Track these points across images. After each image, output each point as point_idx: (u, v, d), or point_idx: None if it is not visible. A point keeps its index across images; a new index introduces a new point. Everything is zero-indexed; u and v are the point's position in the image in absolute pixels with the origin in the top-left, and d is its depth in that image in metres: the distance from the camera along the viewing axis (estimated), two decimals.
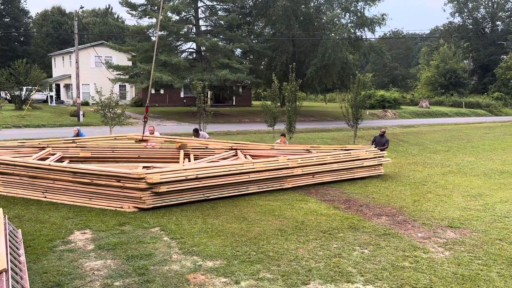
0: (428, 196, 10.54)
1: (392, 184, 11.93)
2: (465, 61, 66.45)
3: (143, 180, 8.59)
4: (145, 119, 8.92)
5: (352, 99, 20.19)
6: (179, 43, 36.78)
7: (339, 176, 11.89)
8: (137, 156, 12.26)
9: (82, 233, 7.29)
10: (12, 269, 5.00)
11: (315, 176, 11.43)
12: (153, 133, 13.30)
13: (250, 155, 12.43)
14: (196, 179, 9.22)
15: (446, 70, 58.29)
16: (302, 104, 21.36)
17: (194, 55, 37.88)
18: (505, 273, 5.98)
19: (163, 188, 8.76)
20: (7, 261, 4.95)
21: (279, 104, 21.60)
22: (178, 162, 11.69)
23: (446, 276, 5.83)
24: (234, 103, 46.81)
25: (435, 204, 9.80)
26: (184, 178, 9.04)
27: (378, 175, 12.82)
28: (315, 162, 11.40)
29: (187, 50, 38.35)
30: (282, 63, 35.67)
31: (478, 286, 5.54)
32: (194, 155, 12.42)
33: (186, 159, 12.11)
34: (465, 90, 59.16)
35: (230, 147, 12.89)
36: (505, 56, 58.15)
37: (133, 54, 37.00)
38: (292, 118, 19.23)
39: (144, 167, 10.51)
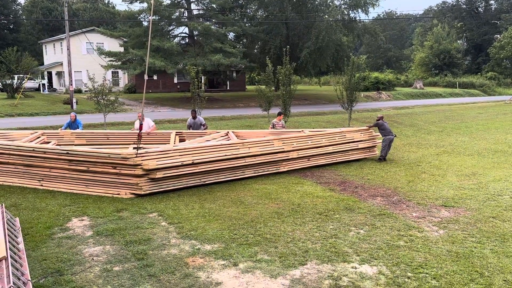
0: (422, 176, 10.65)
1: (386, 165, 12.03)
2: (458, 41, 66.31)
3: (139, 167, 8.61)
4: (139, 138, 8.79)
5: (346, 81, 20.14)
6: (171, 27, 36.33)
7: (335, 159, 11.96)
8: (132, 141, 12.23)
9: (80, 220, 7.32)
10: (11, 257, 5.03)
11: (310, 159, 11.49)
12: (142, 120, 13.19)
13: (241, 138, 12.40)
14: (193, 164, 9.25)
15: (440, 50, 58.20)
16: (297, 87, 21.23)
17: (187, 40, 37.49)
18: (498, 249, 6.10)
19: (160, 174, 8.78)
20: (7, 249, 4.98)
21: (273, 88, 21.49)
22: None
23: (440, 254, 5.94)
24: (228, 88, 46.59)
25: (429, 184, 9.91)
26: (180, 163, 9.06)
27: (373, 156, 12.90)
28: (310, 145, 11.44)
29: (179, 35, 37.94)
30: (276, 47, 35.40)
31: (472, 263, 5.65)
32: (188, 139, 12.40)
33: (177, 140, 12.08)
34: (459, 71, 59.18)
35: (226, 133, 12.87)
36: (498, 36, 58.03)
37: (124, 40, 36.54)
38: (287, 102, 19.18)
39: (134, 147, 10.52)
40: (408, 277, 5.26)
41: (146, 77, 8.95)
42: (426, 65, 60.63)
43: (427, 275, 5.33)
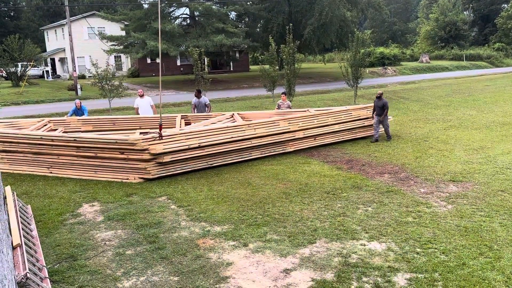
0: (430, 152, 10.61)
1: (393, 142, 11.98)
2: (465, 13, 64.88)
3: (147, 151, 8.66)
4: (160, 137, 8.93)
5: (351, 58, 19.90)
6: (171, 9, 35.90)
7: (341, 137, 11.93)
8: (138, 126, 12.27)
9: (90, 205, 7.42)
10: (25, 244, 5.13)
11: (316, 138, 11.47)
12: (143, 96, 13.20)
13: (246, 119, 12.38)
14: (199, 147, 9.28)
15: (446, 22, 57.08)
16: (301, 66, 21.04)
17: (188, 21, 37.08)
18: (507, 223, 6.11)
19: (167, 158, 8.83)
20: (20, 236, 5.08)
21: (277, 67, 21.29)
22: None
23: (449, 229, 5.97)
24: (231, 69, 46.25)
25: (437, 159, 9.88)
26: (187, 147, 9.10)
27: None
28: (316, 124, 11.40)
29: (180, 16, 37.52)
30: (279, 25, 34.89)
31: (481, 237, 5.68)
32: (194, 122, 12.40)
33: (183, 124, 12.11)
34: (465, 43, 58.14)
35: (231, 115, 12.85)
36: (506, 5, 56.73)
37: (125, 23, 36.22)
38: (291, 81, 19.03)
39: (141, 133, 10.57)
40: (417, 253, 5.31)
41: (159, 60, 9.01)
42: (432, 38, 59.59)
43: (436, 250, 5.36)
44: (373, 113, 12.19)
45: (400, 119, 15.95)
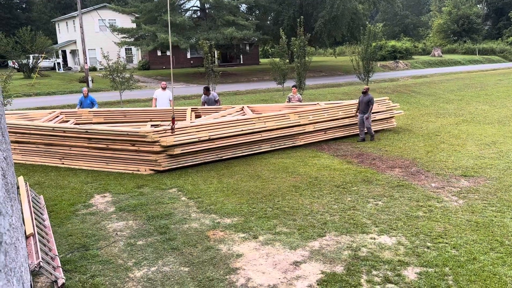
0: (441, 147, 10.52)
1: (405, 136, 11.89)
2: (478, 6, 63.83)
3: (158, 143, 8.71)
4: (173, 130, 8.99)
5: (362, 51, 19.75)
6: (182, 1, 35.86)
7: (352, 131, 11.87)
8: (148, 119, 12.34)
9: (102, 196, 7.50)
10: (38, 233, 5.22)
11: (327, 132, 11.43)
12: (165, 89, 13.24)
13: (256, 112, 12.38)
14: (209, 140, 9.31)
15: (459, 16, 56.23)
16: (312, 59, 20.91)
17: (198, 14, 37.01)
18: None
19: (177, 151, 8.88)
20: (33, 226, 5.16)
21: (287, 60, 21.18)
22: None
23: (460, 224, 5.93)
24: (241, 62, 46.13)
25: (448, 154, 9.79)
26: (197, 139, 9.13)
27: (391, 128, 12.76)
28: (326, 118, 11.36)
29: (191, 9, 37.47)
30: (289, 17, 34.67)
31: (492, 232, 5.63)
32: (204, 115, 12.43)
33: (193, 116, 12.16)
34: (478, 37, 57.23)
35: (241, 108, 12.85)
36: None
37: (136, 15, 36.28)
38: (302, 74, 18.94)
39: (152, 125, 10.63)
40: (428, 247, 5.29)
41: (171, 53, 8.95)
42: (445, 32, 58.76)
43: (446, 244, 5.34)
44: (357, 110, 11.50)
45: (412, 113, 15.82)
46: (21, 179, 6.84)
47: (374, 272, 4.76)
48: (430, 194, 7.18)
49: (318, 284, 4.55)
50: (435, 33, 61.23)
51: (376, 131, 12.26)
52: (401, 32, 69.66)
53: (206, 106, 13.11)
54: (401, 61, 41.59)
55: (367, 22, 24.31)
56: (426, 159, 9.42)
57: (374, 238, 5.59)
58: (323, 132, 11.36)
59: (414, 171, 8.55)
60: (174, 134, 8.92)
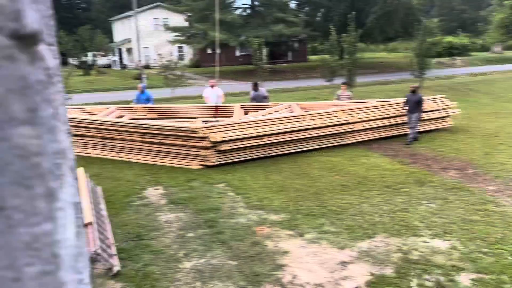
0: (500, 148, 9.95)
1: (461, 136, 11.36)
2: None
3: (207, 139, 8.91)
4: (216, 117, 9.29)
5: (416, 47, 19.05)
6: None
7: (404, 131, 11.48)
8: (199, 115, 12.64)
9: (154, 189, 7.79)
10: (96, 222, 5.52)
11: (377, 130, 11.15)
12: (213, 87, 13.47)
13: (304, 110, 12.27)
14: (257, 137, 9.39)
15: None
16: (363, 56, 20.47)
17: (248, 11, 37.29)
18: None
19: (226, 147, 9.04)
20: (92, 215, 5.46)
21: (337, 57, 20.85)
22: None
23: None
24: (289, 59, 45.94)
25: (508, 156, 9.25)
26: (245, 136, 9.24)
27: (446, 127, 12.23)
28: (377, 116, 11.08)
29: (241, 6, 37.83)
30: (340, 13, 34.07)
31: None
32: (251, 112, 12.54)
33: (242, 113, 12.27)
34: None
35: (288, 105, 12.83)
36: None
37: (188, 14, 37.15)
38: (352, 71, 18.59)
39: (203, 121, 10.87)
40: (484, 253, 5.04)
41: (217, 50, 9.17)
42: (507, 27, 55.15)
43: (504, 251, 5.06)
44: (404, 108, 10.79)
45: (469, 113, 15.06)
46: (81, 170, 7.25)
47: (426, 276, 4.61)
48: (488, 197, 6.83)
49: (366, 286, 4.48)
50: (496, 28, 57.70)
51: (430, 131, 11.80)
52: (459, 28, 66.37)
53: (255, 103, 13.21)
54: (458, 58, 39.71)
55: (422, 17, 23.38)
56: (484, 161, 8.95)
57: (426, 242, 5.40)
58: (373, 131, 11.10)
59: (470, 173, 8.16)
60: (221, 130, 9.08)
